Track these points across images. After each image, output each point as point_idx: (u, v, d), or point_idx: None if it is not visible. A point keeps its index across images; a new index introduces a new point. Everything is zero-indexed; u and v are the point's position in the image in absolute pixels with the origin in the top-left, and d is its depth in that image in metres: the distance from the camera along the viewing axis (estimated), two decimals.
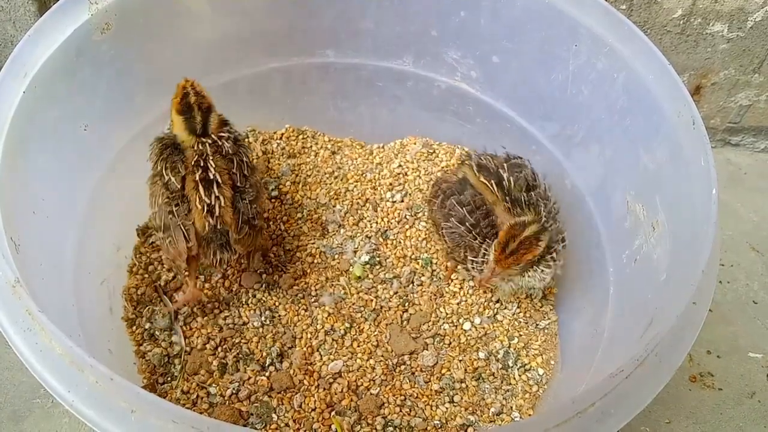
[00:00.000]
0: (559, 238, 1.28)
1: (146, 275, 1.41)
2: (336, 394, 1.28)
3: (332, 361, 1.33)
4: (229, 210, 1.22)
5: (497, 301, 1.43)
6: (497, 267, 1.22)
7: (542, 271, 1.26)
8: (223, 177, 1.22)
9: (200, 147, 1.24)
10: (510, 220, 1.25)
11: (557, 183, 1.46)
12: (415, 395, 1.30)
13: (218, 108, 1.54)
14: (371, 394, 1.29)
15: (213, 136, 1.26)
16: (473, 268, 1.30)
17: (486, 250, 1.26)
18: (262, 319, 1.37)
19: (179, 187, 1.22)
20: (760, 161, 1.97)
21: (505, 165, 1.33)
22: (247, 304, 1.39)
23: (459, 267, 1.41)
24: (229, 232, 1.22)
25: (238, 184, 1.25)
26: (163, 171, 1.22)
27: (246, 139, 1.54)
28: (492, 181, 1.30)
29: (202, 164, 1.22)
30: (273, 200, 1.57)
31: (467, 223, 1.28)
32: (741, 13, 1.61)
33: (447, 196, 1.35)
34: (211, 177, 1.21)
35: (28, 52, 1.12)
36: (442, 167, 1.64)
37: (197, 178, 1.21)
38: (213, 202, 1.20)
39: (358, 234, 1.52)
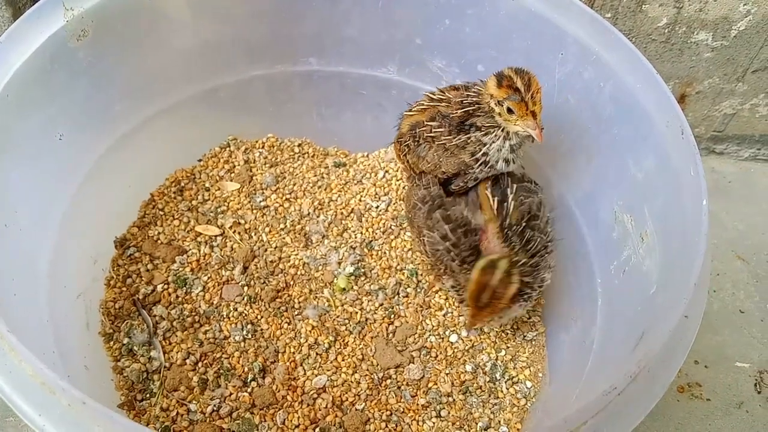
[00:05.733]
0: (544, 275, 1.23)
1: (124, 288, 1.37)
2: (320, 410, 1.25)
3: (316, 375, 1.30)
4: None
5: None
6: (476, 321, 1.17)
7: (521, 305, 1.22)
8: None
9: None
10: (491, 247, 1.19)
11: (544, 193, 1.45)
12: (402, 410, 1.28)
13: (200, 116, 1.52)
14: (356, 409, 1.26)
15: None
16: (455, 292, 1.27)
17: (466, 271, 1.20)
18: (244, 333, 1.34)
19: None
20: (745, 170, 1.97)
21: (515, 186, 1.26)
22: (228, 318, 1.36)
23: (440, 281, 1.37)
24: None
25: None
26: None
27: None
28: (496, 198, 1.24)
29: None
30: (255, 210, 1.54)
31: (448, 243, 1.23)
32: (725, 23, 1.61)
33: (435, 206, 1.28)
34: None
35: (1, 59, 1.09)
36: None
37: None
38: None
39: (343, 245, 1.50)
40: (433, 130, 1.29)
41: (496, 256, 1.16)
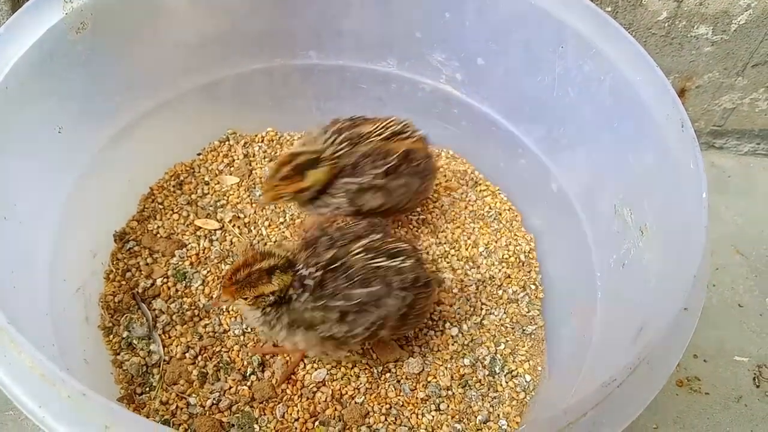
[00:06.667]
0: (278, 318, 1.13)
1: (123, 282, 1.37)
2: (320, 403, 1.25)
3: (316, 369, 1.29)
4: None
5: (481, 307, 1.42)
6: (223, 294, 1.09)
7: (260, 316, 1.13)
8: None
9: None
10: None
11: (543, 186, 1.45)
12: (401, 403, 1.28)
13: (199, 110, 1.51)
14: (356, 403, 1.26)
15: None
16: None
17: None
18: (243, 326, 1.33)
19: None
20: (744, 164, 1.97)
21: (369, 235, 1.20)
22: (228, 312, 1.36)
23: None
24: None
25: None
26: None
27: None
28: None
29: None
30: (255, 204, 1.53)
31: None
32: (725, 16, 1.61)
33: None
34: None
35: None
36: None
37: None
38: None
39: None
40: None
41: (283, 252, 1.13)
